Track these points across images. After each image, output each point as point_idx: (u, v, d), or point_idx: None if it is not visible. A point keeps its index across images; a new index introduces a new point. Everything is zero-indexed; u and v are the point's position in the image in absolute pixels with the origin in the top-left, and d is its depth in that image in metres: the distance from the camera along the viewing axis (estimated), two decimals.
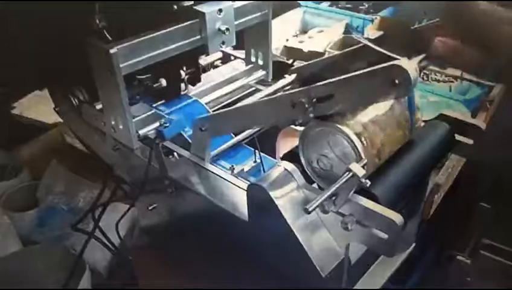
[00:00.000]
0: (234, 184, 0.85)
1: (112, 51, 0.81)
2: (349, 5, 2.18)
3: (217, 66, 1.26)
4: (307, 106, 0.68)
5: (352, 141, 0.67)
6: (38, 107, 1.70)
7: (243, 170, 0.94)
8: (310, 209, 0.61)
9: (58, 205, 1.16)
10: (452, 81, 1.59)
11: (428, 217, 1.22)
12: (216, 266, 0.96)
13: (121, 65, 0.83)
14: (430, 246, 1.70)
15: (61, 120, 1.30)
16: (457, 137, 0.84)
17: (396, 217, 0.63)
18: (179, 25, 0.90)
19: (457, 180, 1.43)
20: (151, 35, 0.87)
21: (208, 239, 0.94)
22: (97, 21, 0.92)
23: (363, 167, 0.65)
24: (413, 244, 1.03)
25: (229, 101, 1.01)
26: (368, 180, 0.64)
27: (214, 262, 0.95)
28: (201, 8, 0.92)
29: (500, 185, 1.98)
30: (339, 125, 0.68)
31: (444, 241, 1.75)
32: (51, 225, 1.14)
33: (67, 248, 1.06)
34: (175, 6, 0.91)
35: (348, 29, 1.98)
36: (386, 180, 0.71)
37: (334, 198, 0.67)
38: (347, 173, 0.64)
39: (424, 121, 0.85)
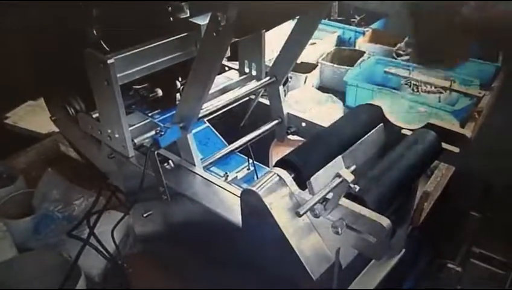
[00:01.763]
0: (228, 191, 0.87)
1: (109, 61, 0.83)
2: (341, 18, 2.23)
3: None
4: None
5: None
6: (32, 117, 1.71)
7: (236, 177, 0.97)
8: (301, 213, 0.64)
9: (53, 212, 1.18)
10: (441, 92, 1.62)
11: (418, 224, 1.24)
12: (210, 271, 0.97)
13: (118, 75, 0.86)
14: (422, 254, 1.72)
15: (55, 130, 1.32)
16: (444, 145, 0.86)
17: (384, 221, 0.65)
18: (175, 37, 0.93)
19: (448, 188, 1.46)
20: (148, 46, 0.90)
21: (202, 245, 0.95)
22: (94, 32, 0.95)
23: (352, 172, 0.68)
24: (403, 251, 1.05)
25: (223, 110, 1.04)
26: (356, 186, 0.67)
27: (208, 267, 0.97)
28: (197, 20, 0.95)
29: (489, 194, 2.02)
30: None
31: (435, 250, 1.77)
32: (46, 232, 1.15)
33: (62, 254, 1.07)
34: (171, 18, 0.94)
35: (340, 41, 2.02)
36: (375, 186, 0.73)
37: (324, 203, 0.70)
38: (337, 178, 0.67)
39: (411, 130, 0.88)
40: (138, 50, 0.88)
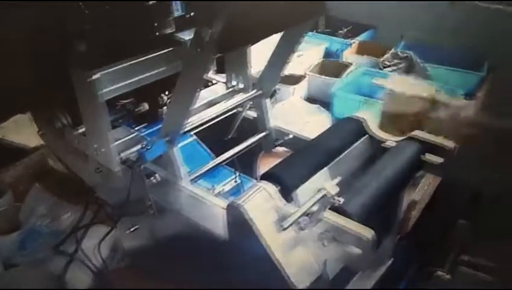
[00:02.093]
0: (215, 204, 0.88)
1: (94, 77, 0.84)
2: (328, 30, 2.25)
3: None
4: None
5: None
6: (20, 130, 1.70)
7: (223, 189, 0.97)
8: (285, 226, 0.64)
9: (40, 227, 1.17)
10: None
11: (406, 233, 1.25)
12: (197, 284, 0.97)
13: (103, 91, 0.86)
14: (410, 263, 1.73)
15: (43, 143, 1.32)
16: (428, 156, 0.88)
17: (368, 233, 0.66)
18: (160, 52, 0.93)
19: (435, 197, 1.47)
20: (133, 62, 0.90)
21: (189, 258, 0.95)
22: (80, 47, 0.95)
23: (336, 185, 0.68)
24: (391, 260, 1.06)
25: (211, 123, 1.04)
26: (340, 199, 0.67)
27: (195, 280, 0.97)
28: (182, 35, 0.95)
29: (477, 202, 2.03)
30: None
31: (424, 258, 1.78)
32: (33, 247, 1.14)
33: (49, 270, 1.06)
34: (157, 33, 0.94)
35: (327, 52, 2.04)
36: (359, 198, 0.74)
37: (309, 215, 0.70)
38: (321, 191, 0.67)
39: (396, 141, 0.89)
40: (123, 65, 0.88)
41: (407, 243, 1.34)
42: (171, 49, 0.94)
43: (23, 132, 1.66)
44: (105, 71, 0.86)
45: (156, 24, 0.92)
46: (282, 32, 0.99)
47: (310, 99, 1.79)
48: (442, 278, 1.74)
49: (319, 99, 1.77)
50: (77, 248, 1.02)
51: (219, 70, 1.22)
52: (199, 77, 0.78)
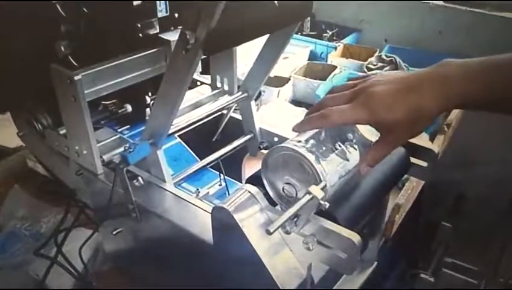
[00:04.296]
0: (199, 207, 0.87)
1: (76, 77, 0.82)
2: (313, 33, 2.25)
3: None
4: None
5: (312, 164, 0.69)
6: (0, 130, 1.67)
7: (208, 193, 0.96)
8: (271, 231, 0.63)
9: (20, 230, 1.14)
10: None
11: (390, 236, 1.26)
12: (182, 289, 0.96)
13: (85, 92, 0.84)
14: (396, 265, 1.74)
15: (23, 145, 1.29)
16: (412, 160, 0.88)
17: (354, 237, 0.66)
18: (144, 52, 0.92)
19: (419, 200, 1.48)
20: (116, 62, 0.88)
21: (173, 262, 0.94)
22: (62, 48, 0.94)
23: (322, 189, 0.68)
24: (375, 263, 1.06)
25: (194, 126, 1.03)
26: (326, 203, 0.67)
27: (179, 285, 0.95)
28: (167, 36, 0.94)
29: (460, 205, 2.06)
30: (298, 150, 0.70)
31: (409, 260, 1.80)
32: (12, 250, 1.11)
33: (29, 274, 1.04)
34: (140, 34, 0.93)
35: (312, 55, 2.05)
36: (345, 202, 0.74)
37: (295, 219, 0.70)
38: (307, 195, 0.67)
39: None
40: (106, 66, 0.87)
41: (391, 246, 1.35)
42: (155, 50, 0.93)
43: (3, 132, 1.63)
44: (87, 72, 0.84)
45: (139, 25, 0.90)
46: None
47: (295, 101, 1.79)
48: (425, 280, 1.75)
49: (304, 102, 1.77)
50: (58, 251, 1.00)
51: (204, 72, 1.21)
52: (184, 79, 0.77)
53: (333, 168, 0.72)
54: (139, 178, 0.92)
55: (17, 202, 1.21)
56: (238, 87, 1.13)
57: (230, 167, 1.10)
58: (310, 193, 0.66)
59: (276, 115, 1.55)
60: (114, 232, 0.97)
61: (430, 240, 1.93)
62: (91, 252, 1.12)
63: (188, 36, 0.69)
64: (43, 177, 1.35)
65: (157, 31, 0.94)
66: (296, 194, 0.73)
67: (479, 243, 1.81)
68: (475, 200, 2.02)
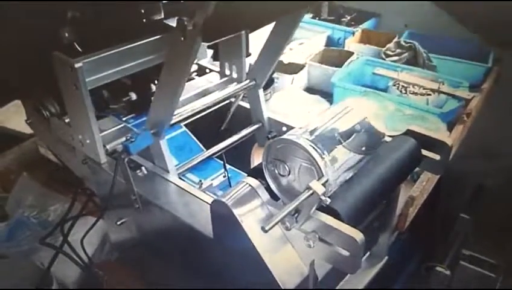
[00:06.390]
0: (201, 199, 0.85)
1: (77, 65, 0.80)
2: (331, 17, 2.19)
3: (192, 79, 1.25)
4: None
5: (314, 158, 0.66)
6: (16, 117, 1.68)
7: (211, 184, 0.94)
8: (267, 229, 0.61)
9: (28, 218, 1.15)
10: (429, 94, 1.59)
11: (403, 230, 1.22)
12: (183, 280, 0.95)
13: (87, 79, 0.82)
14: (410, 259, 1.70)
15: None
16: (424, 152, 0.83)
17: (357, 235, 0.63)
18: (148, 39, 0.89)
19: (436, 192, 1.43)
20: (119, 49, 0.86)
21: (175, 253, 0.93)
22: (66, 34, 0.92)
23: (323, 184, 0.65)
24: (386, 258, 1.03)
25: (201, 115, 1.01)
26: (327, 198, 0.64)
27: (181, 276, 0.94)
28: (171, 22, 0.91)
29: (480, 196, 2.00)
30: (300, 142, 0.67)
31: (424, 253, 1.76)
32: (20, 238, 1.12)
33: (35, 262, 1.04)
34: (144, 20, 0.90)
35: (330, 41, 1.99)
36: (350, 196, 0.71)
37: (296, 215, 0.67)
38: (307, 190, 0.64)
39: (391, 136, 0.85)
40: (108, 53, 0.85)
41: (405, 240, 1.31)
42: (159, 36, 0.90)
43: (19, 119, 1.64)
44: (89, 59, 0.83)
45: (142, 10, 0.88)
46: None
47: (310, 89, 1.75)
48: (441, 274, 1.71)
49: (319, 90, 1.72)
50: (64, 240, 0.99)
51: (215, 58, 1.18)
52: (184, 67, 0.74)
53: (337, 162, 0.69)
54: (143, 168, 0.90)
55: (26, 190, 1.22)
56: (246, 75, 1.10)
57: (239, 156, 1.08)
58: (310, 188, 0.63)
59: (289, 103, 1.51)
60: (118, 223, 0.97)
61: (447, 232, 1.88)
62: (99, 241, 1.12)
63: (185, 23, 0.66)
64: (53, 164, 1.35)
65: (162, 16, 0.91)
66: (295, 183, 0.71)
67: (498, 235, 1.76)
68: (495, 191, 1.95)
